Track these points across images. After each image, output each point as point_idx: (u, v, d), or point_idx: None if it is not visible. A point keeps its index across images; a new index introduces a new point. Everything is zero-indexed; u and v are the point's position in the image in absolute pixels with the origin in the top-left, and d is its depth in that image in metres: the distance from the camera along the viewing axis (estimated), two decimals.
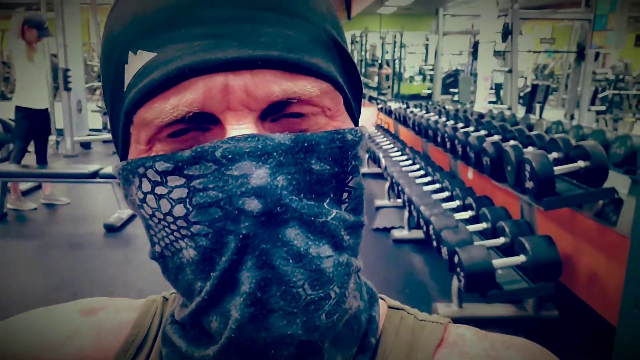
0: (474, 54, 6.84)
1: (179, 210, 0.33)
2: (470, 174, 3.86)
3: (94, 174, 4.46)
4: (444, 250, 2.69)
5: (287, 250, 0.32)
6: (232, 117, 0.33)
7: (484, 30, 5.75)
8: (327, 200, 0.34)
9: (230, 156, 0.31)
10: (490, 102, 6.75)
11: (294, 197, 0.32)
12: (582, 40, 6.48)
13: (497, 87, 8.59)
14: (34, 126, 4.67)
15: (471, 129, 3.63)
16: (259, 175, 0.31)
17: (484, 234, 2.96)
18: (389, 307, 0.47)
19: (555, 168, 2.35)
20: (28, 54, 4.56)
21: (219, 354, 0.34)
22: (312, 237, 0.33)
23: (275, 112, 0.34)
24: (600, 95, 8.75)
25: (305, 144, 0.33)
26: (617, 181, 2.51)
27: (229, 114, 0.33)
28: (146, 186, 0.34)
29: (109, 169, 4.54)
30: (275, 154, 0.32)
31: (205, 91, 0.32)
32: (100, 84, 9.36)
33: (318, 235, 0.33)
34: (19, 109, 4.56)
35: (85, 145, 8.21)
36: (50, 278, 3.44)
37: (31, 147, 4.85)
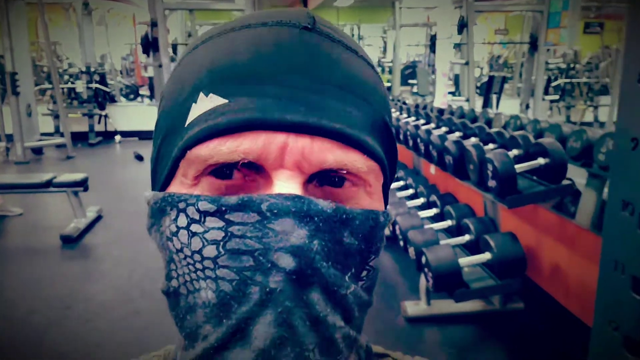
0: (431, 46, 6.90)
1: (210, 251, 0.33)
2: (432, 169, 3.90)
3: (48, 183, 4.28)
4: (411, 250, 2.70)
5: (307, 312, 0.33)
6: (282, 175, 0.34)
7: (441, 26, 5.80)
8: (349, 274, 0.36)
9: (275, 211, 0.33)
10: (449, 93, 6.83)
11: (324, 263, 0.33)
12: (534, 31, 6.64)
13: (456, 78, 8.71)
14: None
15: (432, 125, 3.66)
16: (299, 235, 0.32)
17: (449, 232, 2.99)
18: (375, 354, 0.48)
19: (516, 166, 2.38)
20: None
21: None
22: (332, 305, 0.34)
23: (320, 177, 0.36)
24: (553, 84, 9.00)
25: (344, 216, 0.35)
26: (575, 174, 2.57)
27: (281, 171, 0.34)
28: (182, 221, 0.35)
29: (63, 177, 4.37)
30: (316, 218, 0.33)
31: (265, 145, 0.33)
32: (50, 86, 8.95)
33: (337, 305, 0.35)
34: None
35: (37, 151, 7.89)
36: (5, 293, 3.29)
37: None
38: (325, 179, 0.36)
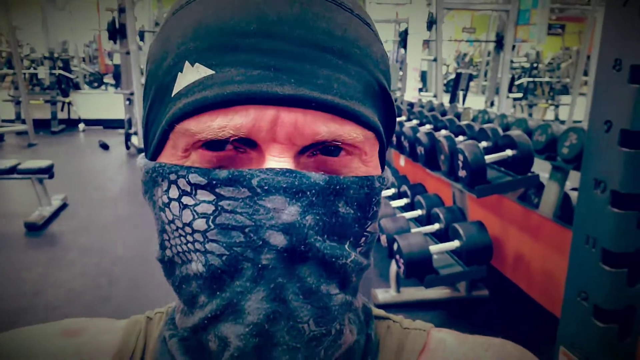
0: (401, 42, 7.01)
1: (200, 224, 0.33)
2: (402, 161, 3.98)
3: (12, 169, 4.17)
4: (383, 238, 2.76)
5: (299, 285, 0.32)
6: (274, 149, 0.33)
7: (413, 22, 5.89)
8: (347, 243, 0.35)
9: (266, 187, 0.32)
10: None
11: (318, 237, 0.33)
12: (500, 30, 6.82)
13: (423, 75, 8.85)
14: None
15: (404, 118, 3.73)
16: (291, 212, 0.32)
17: (420, 221, 3.07)
18: (375, 317, 0.48)
19: (485, 157, 2.47)
20: None
21: None
22: (326, 275, 0.34)
23: (314, 147, 0.35)
24: (516, 83, 9.26)
25: (337, 187, 0.34)
26: (539, 167, 2.68)
27: (273, 145, 0.33)
28: (173, 193, 0.34)
29: (27, 164, 4.26)
30: (308, 192, 0.32)
31: (256, 119, 0.32)
32: (11, 71, 8.62)
33: (332, 275, 0.34)
34: None
35: None
36: None
37: None
38: (319, 148, 0.35)
